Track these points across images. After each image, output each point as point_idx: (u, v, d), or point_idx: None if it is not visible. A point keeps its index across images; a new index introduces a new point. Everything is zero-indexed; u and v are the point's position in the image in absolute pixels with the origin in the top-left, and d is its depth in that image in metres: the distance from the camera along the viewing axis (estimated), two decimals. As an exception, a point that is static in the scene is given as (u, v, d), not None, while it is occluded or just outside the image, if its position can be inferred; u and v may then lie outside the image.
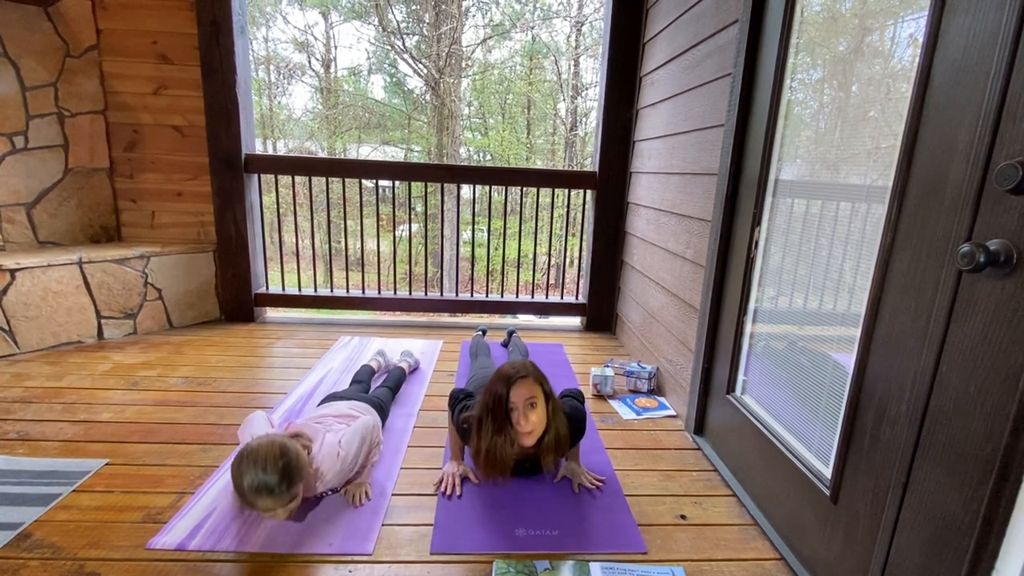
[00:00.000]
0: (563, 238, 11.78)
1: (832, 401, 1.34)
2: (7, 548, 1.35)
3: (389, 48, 12.33)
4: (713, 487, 1.76)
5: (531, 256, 7.48)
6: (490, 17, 12.49)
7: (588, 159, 12.81)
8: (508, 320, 3.80)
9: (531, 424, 1.50)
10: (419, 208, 3.66)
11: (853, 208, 1.33)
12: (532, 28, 12.52)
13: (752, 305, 1.76)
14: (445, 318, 3.84)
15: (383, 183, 10.91)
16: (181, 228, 3.23)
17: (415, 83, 12.85)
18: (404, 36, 11.94)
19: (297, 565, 1.35)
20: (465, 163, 13.00)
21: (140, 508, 1.53)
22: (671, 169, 2.46)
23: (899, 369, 1.08)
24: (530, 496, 1.66)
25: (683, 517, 1.60)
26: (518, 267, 3.57)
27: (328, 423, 1.71)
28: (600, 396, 2.41)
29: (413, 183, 3.47)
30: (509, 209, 3.45)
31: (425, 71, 11.92)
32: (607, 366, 2.60)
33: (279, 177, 3.43)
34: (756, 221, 1.70)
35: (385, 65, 13.04)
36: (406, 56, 12.11)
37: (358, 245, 7.39)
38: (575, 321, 3.61)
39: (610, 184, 3.21)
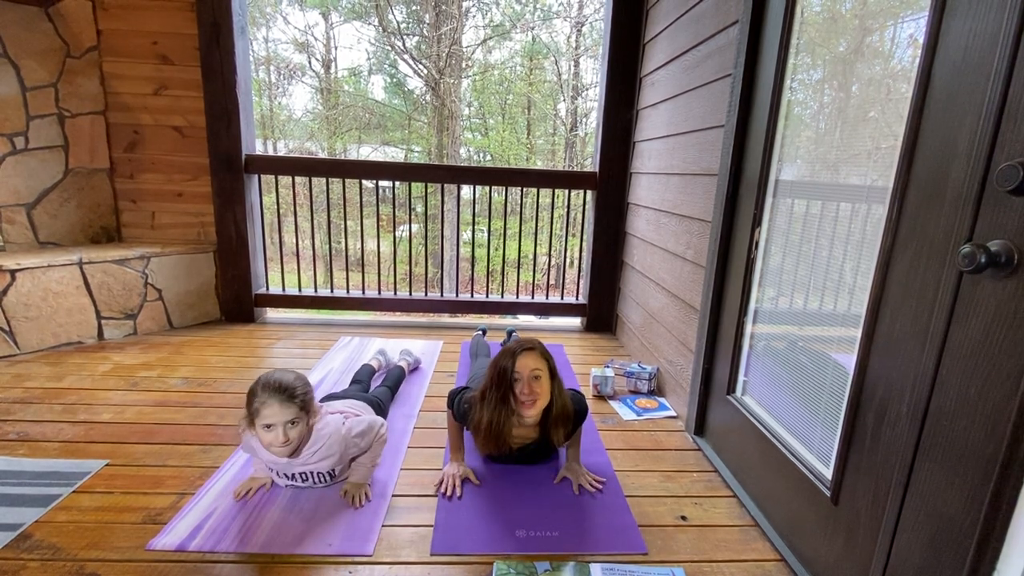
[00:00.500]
0: (563, 238, 11.78)
1: (833, 402, 1.33)
2: (7, 549, 1.35)
3: (389, 49, 12.34)
4: (714, 488, 1.76)
5: (531, 256, 7.48)
6: (490, 18, 12.50)
7: (588, 159, 12.82)
8: (508, 320, 3.79)
9: (534, 394, 1.49)
10: (419, 208, 3.66)
11: (853, 209, 1.33)
12: (532, 29, 12.53)
13: (752, 306, 1.76)
14: (445, 318, 3.85)
15: (383, 183, 10.92)
16: (181, 228, 3.23)
17: (415, 83, 12.87)
18: (404, 37, 11.95)
19: (297, 566, 1.35)
20: (465, 163, 13.01)
21: (140, 509, 1.53)
22: (671, 170, 2.46)
23: (900, 370, 1.08)
24: (531, 497, 1.65)
25: (683, 518, 1.60)
26: (518, 267, 3.57)
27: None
28: (600, 397, 2.41)
29: (413, 183, 3.47)
30: (509, 210, 3.45)
31: (425, 72, 11.93)
32: (607, 367, 2.60)
33: (279, 177, 3.44)
34: (756, 222, 1.70)
35: (385, 66, 13.05)
36: (406, 57, 12.11)
37: (358, 245, 7.39)
38: (575, 322, 3.61)
39: (610, 184, 3.21)
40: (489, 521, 1.54)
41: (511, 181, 3.37)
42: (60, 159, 2.96)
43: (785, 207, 1.60)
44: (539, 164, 13.93)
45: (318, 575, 1.33)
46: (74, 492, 1.58)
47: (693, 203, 2.19)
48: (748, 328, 1.77)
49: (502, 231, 3.53)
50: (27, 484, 1.61)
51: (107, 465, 1.73)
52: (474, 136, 14.01)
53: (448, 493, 1.65)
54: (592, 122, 12.56)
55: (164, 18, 2.95)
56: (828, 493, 1.29)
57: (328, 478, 1.62)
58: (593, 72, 12.60)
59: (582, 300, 3.49)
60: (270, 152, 12.44)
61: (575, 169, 12.09)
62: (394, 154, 13.62)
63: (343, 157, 12.65)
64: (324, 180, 7.10)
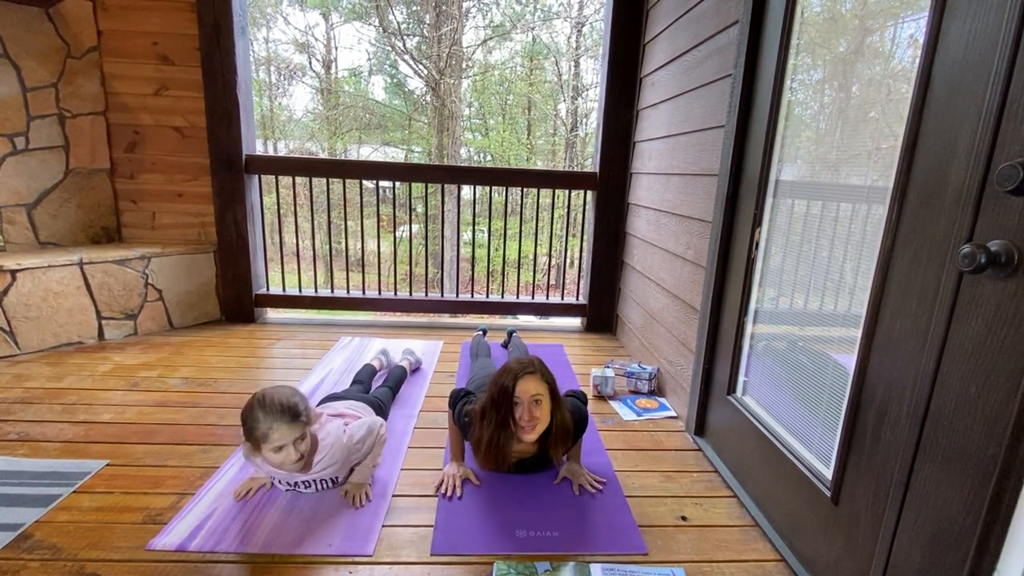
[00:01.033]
0: (563, 239, 11.78)
1: (833, 402, 1.33)
2: (7, 549, 1.35)
3: (390, 49, 12.34)
4: (714, 488, 1.76)
5: (531, 257, 7.48)
6: (490, 18, 12.50)
7: (588, 160, 12.82)
8: (508, 321, 3.80)
9: (534, 420, 1.50)
10: (419, 209, 3.67)
11: (854, 209, 1.33)
12: (532, 29, 12.54)
13: (753, 306, 1.76)
14: (445, 319, 3.85)
15: (383, 184, 10.92)
16: (182, 229, 3.23)
17: (415, 84, 12.87)
18: (405, 37, 11.95)
19: (297, 566, 1.35)
20: (465, 164, 13.02)
21: (140, 509, 1.53)
22: (671, 170, 2.46)
23: (900, 370, 1.08)
24: (531, 497, 1.65)
25: (684, 518, 1.60)
26: (518, 268, 3.56)
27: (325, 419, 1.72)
28: (601, 397, 2.41)
29: (413, 184, 3.47)
30: (509, 210, 3.45)
31: (425, 72, 11.93)
32: (608, 367, 2.60)
33: (279, 178, 3.44)
34: (756, 222, 1.70)
35: (386, 66, 13.05)
36: (406, 57, 12.12)
37: (358, 246, 7.40)
38: (575, 322, 3.61)
39: (610, 185, 3.21)
40: (489, 521, 1.54)
41: (511, 181, 3.37)
42: (60, 159, 2.96)
43: (785, 207, 1.60)
44: (539, 164, 13.93)
45: (318, 575, 1.33)
46: (74, 492, 1.58)
47: (693, 203, 2.19)
48: (748, 328, 1.77)
49: (502, 231, 3.53)
50: (27, 484, 1.61)
51: (107, 465, 1.73)
52: (474, 136, 14.01)
53: (448, 493, 1.65)
54: (592, 122, 12.56)
55: (164, 18, 2.95)
56: (828, 493, 1.29)
57: (331, 484, 1.63)
58: (593, 72, 12.61)
59: (582, 300, 3.49)
60: (270, 152, 12.44)
61: (575, 169, 12.09)
62: (394, 154, 13.62)
63: (343, 157, 12.65)
64: (324, 180, 7.10)
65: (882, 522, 1.11)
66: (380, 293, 3.62)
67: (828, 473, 1.32)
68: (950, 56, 0.98)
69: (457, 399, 1.76)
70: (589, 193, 3.36)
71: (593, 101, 12.50)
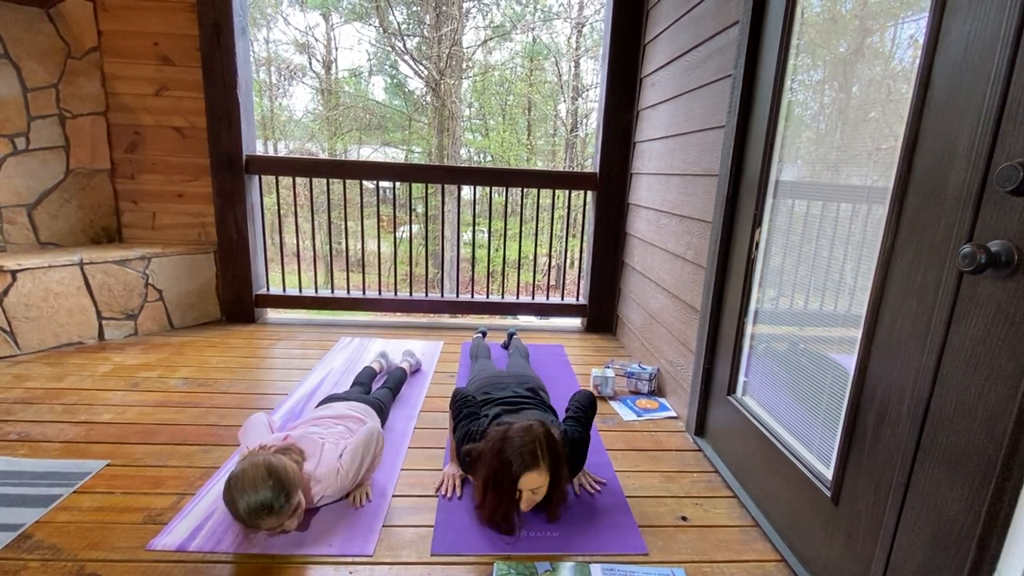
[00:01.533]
0: (563, 239, 11.78)
1: (833, 402, 1.33)
2: (8, 549, 1.35)
3: (390, 49, 12.35)
4: (714, 488, 1.76)
5: (531, 257, 7.48)
6: (491, 18, 12.50)
7: (588, 160, 12.82)
8: (508, 321, 3.80)
9: (532, 504, 1.48)
10: (419, 209, 3.66)
11: (854, 209, 1.33)
12: (532, 29, 12.54)
13: (753, 306, 1.76)
14: (445, 319, 3.85)
15: (383, 184, 10.93)
16: (182, 229, 3.23)
17: (416, 84, 12.87)
18: (405, 37, 11.95)
19: (297, 566, 1.35)
20: (465, 164, 13.02)
21: (141, 509, 1.53)
22: (672, 170, 2.46)
23: (900, 370, 1.08)
24: (531, 497, 1.65)
25: (684, 518, 1.60)
26: (518, 268, 3.56)
27: (326, 424, 1.71)
28: (601, 397, 2.41)
29: (413, 184, 3.47)
30: (509, 210, 3.45)
31: (426, 72, 11.94)
32: (608, 367, 2.60)
33: (280, 178, 3.44)
34: (757, 222, 1.70)
35: (386, 66, 13.06)
36: (407, 57, 12.12)
37: (358, 246, 7.39)
38: (576, 322, 3.61)
39: (610, 185, 3.21)
40: (489, 521, 1.54)
41: (511, 182, 3.37)
42: (61, 160, 2.96)
43: (785, 208, 1.60)
44: (539, 165, 13.93)
45: (318, 575, 1.33)
46: (75, 492, 1.58)
47: (693, 204, 2.19)
48: (748, 329, 1.77)
49: (502, 232, 3.53)
50: (28, 484, 1.61)
51: (108, 465, 1.73)
52: (474, 137, 14.02)
53: (448, 494, 1.65)
54: (592, 123, 12.56)
55: (165, 19, 2.96)
56: (828, 493, 1.29)
57: (334, 501, 1.62)
58: (593, 73, 12.61)
59: (582, 301, 3.50)
60: (271, 153, 12.43)
61: (575, 170, 12.09)
62: (394, 155, 13.63)
63: (343, 158, 12.65)
64: (324, 181, 7.09)
65: (882, 522, 1.11)
66: (380, 293, 3.62)
67: (828, 473, 1.32)
68: (950, 56, 0.98)
69: (459, 410, 1.73)
70: (589, 193, 3.36)
71: (593, 102, 12.51)
